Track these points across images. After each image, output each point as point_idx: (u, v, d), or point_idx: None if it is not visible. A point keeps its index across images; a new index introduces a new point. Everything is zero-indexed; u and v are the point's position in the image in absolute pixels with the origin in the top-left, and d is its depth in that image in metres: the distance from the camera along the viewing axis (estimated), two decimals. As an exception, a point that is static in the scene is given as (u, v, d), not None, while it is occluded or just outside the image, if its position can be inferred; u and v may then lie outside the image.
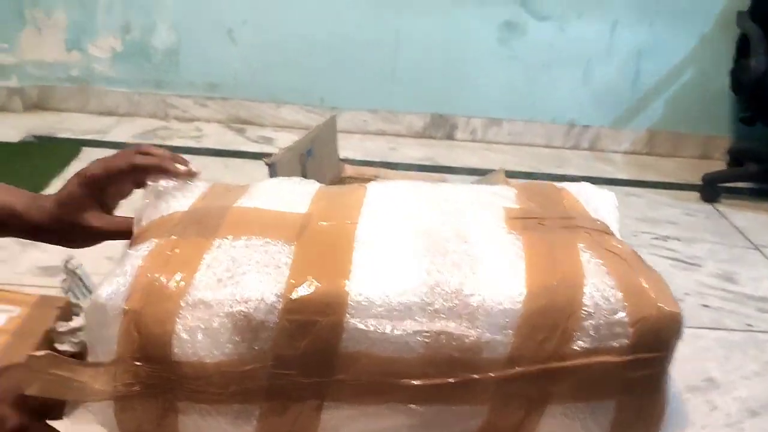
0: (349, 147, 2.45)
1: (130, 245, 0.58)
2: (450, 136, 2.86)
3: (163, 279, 0.52)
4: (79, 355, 0.54)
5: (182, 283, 0.52)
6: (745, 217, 2.33)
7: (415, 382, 0.50)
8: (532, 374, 0.51)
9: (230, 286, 0.51)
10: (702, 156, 2.85)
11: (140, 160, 0.63)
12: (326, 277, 0.52)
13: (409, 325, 0.51)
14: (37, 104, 2.79)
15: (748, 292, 1.86)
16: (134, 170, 0.63)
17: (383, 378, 0.50)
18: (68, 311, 1.31)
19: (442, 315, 0.51)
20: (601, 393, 0.52)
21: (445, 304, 0.52)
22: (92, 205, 0.64)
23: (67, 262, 0.62)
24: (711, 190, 2.44)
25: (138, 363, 0.50)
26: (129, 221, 0.63)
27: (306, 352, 0.50)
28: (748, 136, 2.74)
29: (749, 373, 1.54)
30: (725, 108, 2.78)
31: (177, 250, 0.55)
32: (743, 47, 2.38)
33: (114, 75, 2.77)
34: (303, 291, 0.51)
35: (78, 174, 0.64)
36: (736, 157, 2.68)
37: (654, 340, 0.53)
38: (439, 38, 2.69)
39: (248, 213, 0.60)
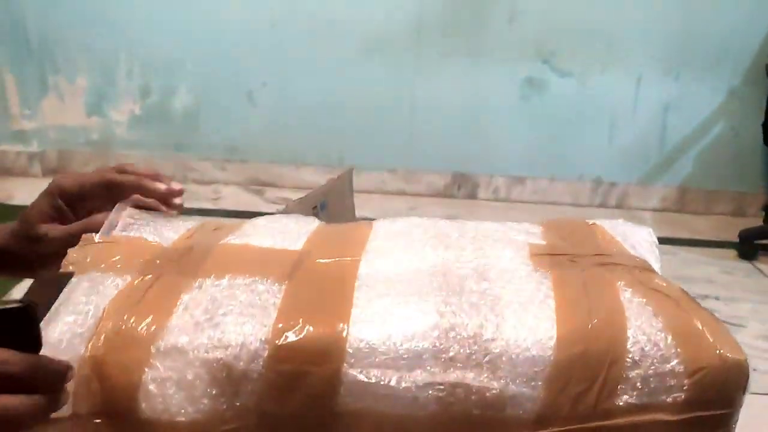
0: (367, 207, 2.39)
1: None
2: (472, 195, 2.79)
3: (132, 322, 0.44)
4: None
5: (154, 327, 0.44)
6: (786, 275, 2.21)
7: None
8: None
9: (208, 329, 0.44)
10: (736, 213, 2.74)
11: (116, 176, 0.57)
12: (320, 319, 0.44)
13: (420, 377, 0.42)
14: (57, 169, 2.79)
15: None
16: (109, 187, 0.56)
17: None
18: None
19: (458, 364, 0.42)
20: None
21: (461, 350, 0.43)
22: (56, 218, 0.56)
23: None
24: (749, 247, 2.33)
25: (98, 420, 0.42)
26: (90, 223, 0.55)
27: (296, 410, 0.42)
28: (784, 191, 2.63)
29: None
30: (758, 163, 2.68)
31: (152, 291, 0.47)
32: (774, 100, 2.31)
33: (133, 138, 2.77)
34: (292, 336, 0.43)
35: (48, 186, 0.57)
36: (772, 213, 2.57)
37: (716, 395, 0.43)
38: (458, 96, 2.66)
39: (236, 250, 0.53)
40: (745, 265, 2.29)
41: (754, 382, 1.55)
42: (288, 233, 0.55)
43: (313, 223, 0.59)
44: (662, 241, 0.60)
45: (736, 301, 2.01)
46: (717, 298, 2.01)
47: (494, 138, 2.72)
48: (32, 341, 0.39)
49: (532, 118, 2.69)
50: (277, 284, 0.47)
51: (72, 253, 0.50)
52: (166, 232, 0.55)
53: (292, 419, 0.42)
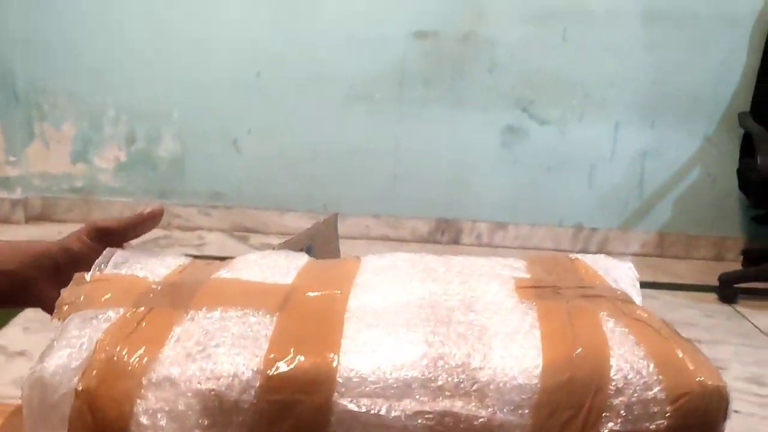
0: (351, 251, 2.39)
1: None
2: (455, 241, 2.81)
3: (124, 354, 0.45)
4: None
5: (146, 359, 0.45)
6: (767, 317, 2.23)
7: None
8: None
9: (200, 360, 0.44)
10: (715, 257, 2.78)
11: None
12: (311, 350, 0.45)
13: (409, 405, 0.43)
14: (40, 216, 2.79)
15: (778, 396, 1.74)
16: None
17: None
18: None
19: (446, 392, 0.43)
20: None
21: (449, 379, 0.44)
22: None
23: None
24: (729, 290, 2.36)
25: None
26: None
27: None
28: (761, 235, 2.68)
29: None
30: (736, 208, 2.74)
31: (144, 323, 0.48)
32: (747, 146, 2.37)
33: (118, 185, 2.78)
34: (284, 366, 0.44)
35: (87, 227, 0.60)
36: (750, 258, 2.61)
37: (697, 421, 0.44)
38: (441, 144, 2.71)
39: (227, 283, 0.53)
40: (725, 308, 2.31)
41: (737, 423, 1.56)
42: (278, 268, 0.56)
43: (302, 259, 0.60)
44: (644, 285, 0.61)
45: (717, 343, 2.02)
46: (699, 342, 2.02)
47: (476, 184, 2.76)
48: None
49: (513, 165, 2.73)
50: (268, 316, 0.48)
51: (65, 293, 0.51)
52: (157, 269, 0.56)
53: None
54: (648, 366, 0.45)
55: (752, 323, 2.19)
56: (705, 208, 2.75)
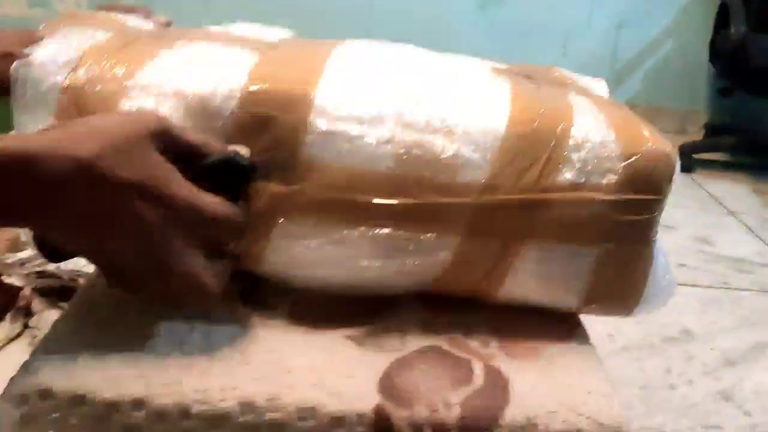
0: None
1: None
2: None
3: (112, 61, 0.46)
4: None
5: (132, 66, 0.46)
6: (720, 186, 2.32)
7: (382, 201, 0.44)
8: (511, 204, 0.45)
9: (185, 71, 0.46)
10: (679, 130, 2.84)
11: None
12: (293, 74, 0.46)
13: (380, 133, 0.45)
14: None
15: (724, 253, 1.84)
16: None
17: (348, 194, 0.44)
18: (17, 244, 1.23)
19: (418, 126, 0.45)
20: (585, 236, 0.47)
21: (422, 116, 0.46)
22: None
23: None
24: (687, 160, 2.42)
25: None
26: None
27: (263, 151, 0.44)
28: (724, 111, 2.73)
29: (726, 327, 1.51)
30: (703, 81, 2.77)
31: (132, 45, 0.49)
32: (723, 18, 2.36)
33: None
34: (265, 84, 0.45)
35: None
36: (712, 131, 2.67)
37: (645, 181, 0.47)
38: (416, 6, 2.64)
39: (216, 32, 0.55)
40: (683, 177, 2.39)
41: (684, 275, 1.64)
42: (268, 33, 0.57)
43: (289, 33, 0.61)
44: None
45: (672, 207, 2.09)
46: (655, 204, 2.11)
47: (451, 47, 2.71)
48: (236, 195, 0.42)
49: (489, 29, 2.69)
50: (255, 52, 0.49)
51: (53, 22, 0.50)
52: (145, 25, 0.56)
53: (260, 163, 0.44)
54: (607, 127, 0.48)
55: (707, 191, 2.27)
56: (674, 80, 2.78)
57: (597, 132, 0.47)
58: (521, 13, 2.67)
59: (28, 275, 1.18)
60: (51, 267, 1.15)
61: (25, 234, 1.23)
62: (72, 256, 0.45)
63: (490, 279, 0.48)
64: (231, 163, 0.42)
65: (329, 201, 0.44)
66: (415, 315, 0.51)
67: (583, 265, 0.48)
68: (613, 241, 0.47)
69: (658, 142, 0.48)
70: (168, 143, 0.39)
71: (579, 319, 0.54)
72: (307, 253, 0.45)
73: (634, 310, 0.51)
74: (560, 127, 0.46)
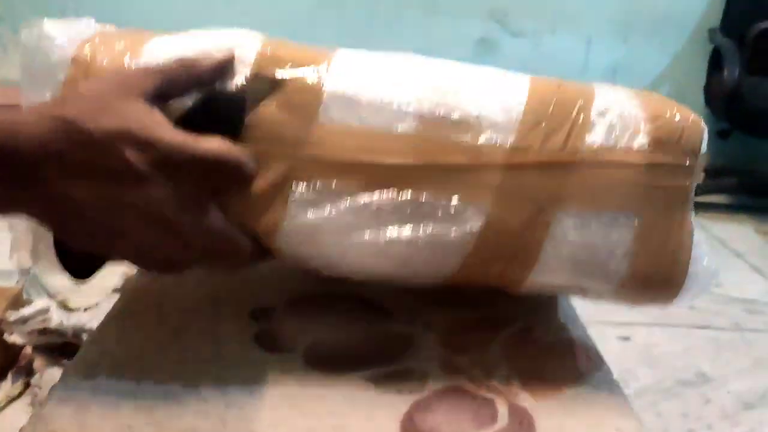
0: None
1: None
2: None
3: (121, 40, 0.46)
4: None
5: (141, 41, 0.46)
6: (724, 228, 2.31)
7: (404, 162, 0.42)
8: (541, 165, 0.44)
9: (196, 43, 0.46)
10: (678, 173, 2.85)
11: None
12: (305, 48, 0.47)
13: (401, 93, 0.44)
14: None
15: (734, 295, 1.83)
16: None
17: (368, 156, 0.42)
18: (19, 301, 1.21)
19: (440, 89, 0.45)
20: (622, 203, 0.45)
21: (444, 80, 0.46)
22: None
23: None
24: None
25: None
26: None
27: (279, 115, 0.43)
28: (723, 153, 2.74)
29: (741, 369, 1.48)
30: (700, 124, 2.79)
31: (140, 31, 0.48)
32: (716, 62, 2.40)
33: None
34: (279, 49, 0.46)
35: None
36: (711, 174, 2.68)
37: (675, 144, 0.46)
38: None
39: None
40: (686, 219, 2.39)
41: (694, 317, 1.61)
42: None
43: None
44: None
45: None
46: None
47: (448, 97, 2.75)
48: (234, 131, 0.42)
49: (485, 78, 2.73)
50: (257, 39, 0.48)
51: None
52: None
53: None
54: (630, 98, 0.48)
55: (711, 233, 2.27)
56: (671, 125, 2.80)
57: (621, 101, 0.47)
58: (515, 59, 2.71)
59: (30, 333, 1.16)
60: (54, 324, 1.13)
61: (26, 292, 1.22)
62: (94, 268, 0.44)
63: (527, 251, 0.45)
64: (220, 99, 0.42)
65: (348, 164, 0.42)
66: (433, 354, 0.50)
67: (623, 233, 0.45)
68: (651, 209, 0.45)
69: (683, 109, 0.47)
70: (165, 89, 0.41)
71: (600, 354, 0.53)
72: (327, 224, 0.43)
73: (679, 292, 0.48)
74: (583, 95, 0.46)
